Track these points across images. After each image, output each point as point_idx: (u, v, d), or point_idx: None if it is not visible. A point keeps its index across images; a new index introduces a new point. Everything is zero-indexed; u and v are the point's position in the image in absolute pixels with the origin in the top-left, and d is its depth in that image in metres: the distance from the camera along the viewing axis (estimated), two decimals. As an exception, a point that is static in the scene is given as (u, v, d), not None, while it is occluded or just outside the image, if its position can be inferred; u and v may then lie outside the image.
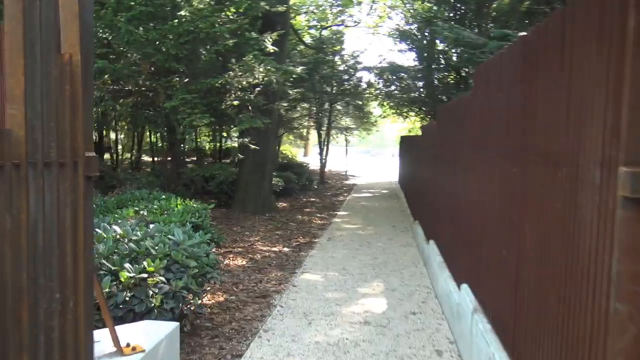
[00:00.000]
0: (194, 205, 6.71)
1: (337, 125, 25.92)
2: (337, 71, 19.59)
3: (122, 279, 3.46)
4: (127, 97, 8.20)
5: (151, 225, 4.74)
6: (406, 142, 15.10)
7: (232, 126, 8.48)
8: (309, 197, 15.88)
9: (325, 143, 21.21)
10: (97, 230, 4.04)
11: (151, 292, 3.52)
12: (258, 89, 8.82)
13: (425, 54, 15.36)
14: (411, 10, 19.00)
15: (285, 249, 7.91)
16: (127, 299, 3.44)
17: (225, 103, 8.22)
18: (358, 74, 20.24)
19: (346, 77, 19.75)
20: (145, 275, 3.55)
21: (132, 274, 3.50)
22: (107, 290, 3.37)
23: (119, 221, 5.19)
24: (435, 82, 15.54)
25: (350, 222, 10.83)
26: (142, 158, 18.92)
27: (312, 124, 23.36)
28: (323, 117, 21.36)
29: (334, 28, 21.97)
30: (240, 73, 8.03)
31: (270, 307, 5.11)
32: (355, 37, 56.05)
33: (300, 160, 31.89)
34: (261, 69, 8.20)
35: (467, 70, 14.38)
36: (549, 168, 2.20)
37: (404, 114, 19.01)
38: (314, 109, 20.41)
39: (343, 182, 22.09)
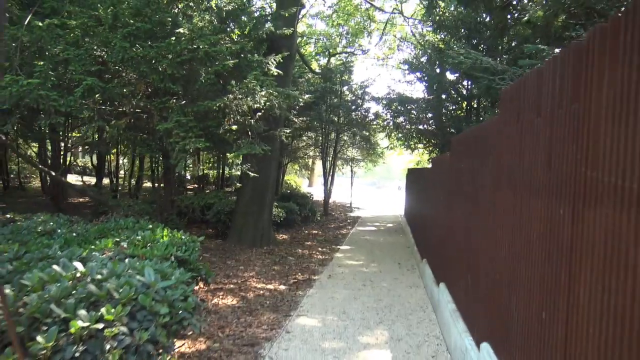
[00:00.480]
0: (182, 237, 6.12)
1: (343, 156, 25.47)
2: (345, 101, 19.24)
3: (73, 330, 2.85)
4: (119, 118, 7.71)
5: (127, 260, 4.17)
6: (413, 175, 14.54)
7: (230, 152, 7.91)
8: (311, 229, 15.24)
9: (330, 173, 20.68)
10: (55, 267, 3.45)
11: (108, 346, 2.91)
12: (259, 113, 8.34)
13: (435, 85, 14.95)
14: (421, 42, 18.74)
15: (282, 287, 7.26)
16: (78, 354, 2.82)
17: (224, 127, 7.71)
18: (366, 105, 19.90)
19: (354, 107, 19.38)
20: (102, 325, 2.93)
21: (85, 323, 2.90)
22: (52, 343, 2.75)
23: (93, 254, 4.62)
24: (445, 113, 15.08)
25: (353, 257, 10.18)
26: (143, 184, 18.45)
27: (317, 153, 22.90)
28: (329, 147, 20.91)
29: (343, 58, 21.73)
30: (240, 96, 7.55)
31: (258, 358, 4.45)
32: (364, 69, 56.19)
33: (304, 190, 31.42)
34: (262, 92, 7.72)
35: (480, 100, 13.93)
36: (622, 210, 1.61)
37: (412, 146, 18.50)
38: (320, 138, 19.97)
39: (347, 214, 21.45)
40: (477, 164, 4.14)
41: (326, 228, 15.91)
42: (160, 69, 7.33)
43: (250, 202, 10.08)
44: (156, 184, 12.09)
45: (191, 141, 6.95)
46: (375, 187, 55.89)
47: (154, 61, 7.22)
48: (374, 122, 20.41)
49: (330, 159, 21.29)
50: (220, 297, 6.41)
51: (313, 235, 13.78)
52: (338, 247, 11.65)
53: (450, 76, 14.82)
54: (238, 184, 9.38)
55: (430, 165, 10.60)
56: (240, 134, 8.29)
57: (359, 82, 20.10)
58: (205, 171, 21.78)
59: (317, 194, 23.90)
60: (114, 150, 16.70)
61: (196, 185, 19.41)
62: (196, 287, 6.44)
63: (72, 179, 24.06)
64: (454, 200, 5.36)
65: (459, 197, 5.10)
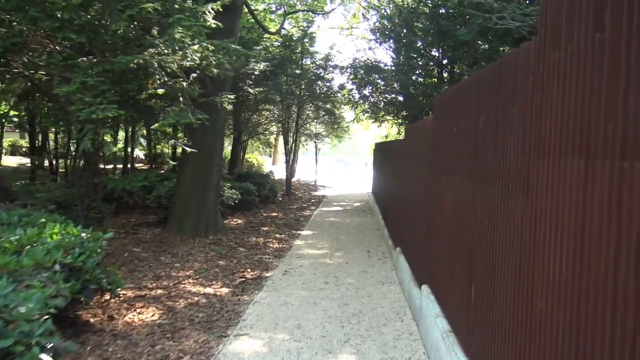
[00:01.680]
0: (84, 235, 4.56)
1: (306, 132, 23.98)
2: (306, 71, 17.64)
3: None
4: (12, 82, 5.98)
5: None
6: (382, 150, 13.20)
7: (155, 122, 6.30)
8: (270, 211, 13.79)
9: (292, 150, 19.15)
10: None
11: None
12: (194, 74, 6.75)
13: (404, 50, 13.53)
14: (390, 7, 17.22)
15: (224, 290, 5.81)
16: None
17: (146, 91, 6.10)
18: (329, 75, 18.35)
19: (315, 78, 17.81)
20: None
21: None
22: None
23: None
24: (415, 81, 13.72)
25: (315, 245, 8.79)
26: (78, 164, 16.47)
27: (280, 129, 21.32)
28: (290, 121, 19.35)
29: (304, 24, 20.01)
30: (165, 50, 5.94)
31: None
32: (328, 39, 54.30)
33: (265, 169, 29.76)
34: (195, 47, 6.12)
35: (453, 66, 12.62)
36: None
37: (380, 118, 17.16)
38: (278, 112, 18.39)
39: (312, 194, 20.06)
40: (491, 120, 2.73)
41: (287, 209, 14.48)
42: (58, 15, 5.63)
43: (192, 184, 8.50)
44: (76, 163, 10.28)
45: (99, 108, 5.33)
46: (342, 165, 54.64)
47: (46, 2, 5.50)
48: (338, 94, 18.94)
49: (292, 134, 19.76)
50: (139, 310, 4.91)
51: (272, 218, 12.33)
52: (299, 232, 10.25)
53: (420, 43, 13.41)
54: (171, 162, 7.78)
55: (403, 136, 9.25)
56: (170, 100, 6.67)
57: (322, 52, 18.52)
58: (160, 149, 19.89)
59: (281, 173, 22.38)
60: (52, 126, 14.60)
61: (121, 166, 17.35)
62: (104, 299, 4.91)
63: (15, 161, 21.76)
64: (446, 175, 3.99)
65: (452, 171, 3.72)
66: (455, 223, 3.52)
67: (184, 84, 6.47)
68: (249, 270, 6.80)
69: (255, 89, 14.02)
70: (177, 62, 6.04)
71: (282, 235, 9.65)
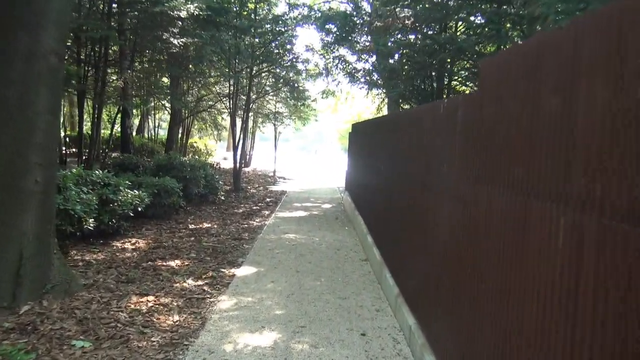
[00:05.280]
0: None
1: (263, 110, 19.46)
2: (259, 22, 13.05)
3: None
4: None
5: None
6: (366, 130, 8.94)
7: None
8: (203, 219, 9.35)
9: (242, 133, 14.63)
10: None
11: None
12: None
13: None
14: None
15: None
16: None
17: None
18: (291, 34, 13.86)
19: (272, 35, 13.27)
20: None
21: None
22: None
23: None
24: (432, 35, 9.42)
25: (256, 313, 4.46)
26: None
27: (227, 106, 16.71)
28: (241, 95, 14.80)
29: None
30: None
31: None
32: None
33: (216, 156, 25.00)
34: None
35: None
36: None
37: (363, 89, 12.81)
38: (223, 80, 13.80)
39: (268, 189, 15.63)
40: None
41: (230, 215, 10.05)
42: None
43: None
44: None
45: None
46: (314, 153, 49.87)
47: None
48: (302, 62, 14.49)
49: (243, 112, 15.24)
50: None
51: (199, 234, 7.89)
52: (233, 270, 5.86)
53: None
54: None
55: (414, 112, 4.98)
56: None
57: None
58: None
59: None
60: None
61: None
62: None
63: None
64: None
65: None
66: None
67: None
68: None
69: (181, 40, 9.44)
70: None
71: (198, 284, 5.24)
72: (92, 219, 6.26)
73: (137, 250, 6.54)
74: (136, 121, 20.58)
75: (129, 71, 10.26)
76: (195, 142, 22.98)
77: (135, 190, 7.58)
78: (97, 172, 7.52)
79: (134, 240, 7.06)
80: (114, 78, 10.58)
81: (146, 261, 5.93)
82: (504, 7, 7.27)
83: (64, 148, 11.72)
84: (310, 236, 8.22)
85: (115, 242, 6.88)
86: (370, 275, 5.85)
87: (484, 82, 2.53)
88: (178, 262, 6.06)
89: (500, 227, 2.18)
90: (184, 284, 5.14)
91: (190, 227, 8.55)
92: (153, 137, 20.17)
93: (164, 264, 5.92)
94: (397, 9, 9.63)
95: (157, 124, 21.80)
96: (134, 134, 18.23)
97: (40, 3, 3.83)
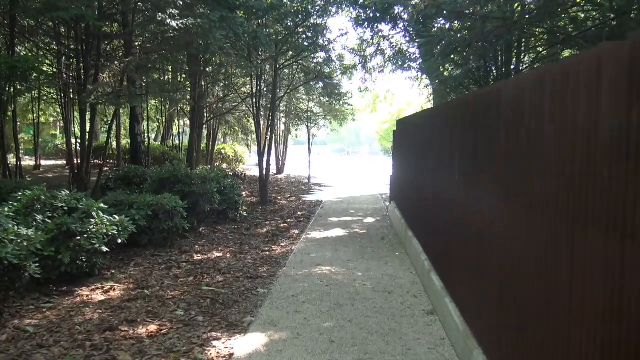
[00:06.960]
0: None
1: (294, 111, 17.52)
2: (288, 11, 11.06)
3: None
4: None
5: None
6: (425, 124, 6.78)
7: None
8: (211, 246, 7.40)
9: (270, 136, 12.66)
10: None
11: None
12: None
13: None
14: None
15: None
16: None
17: None
18: (321, 22, 11.83)
19: (299, 18, 11.26)
20: None
21: None
22: None
23: None
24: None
25: None
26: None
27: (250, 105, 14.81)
28: (264, 92, 12.88)
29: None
30: None
31: None
32: None
33: (247, 162, 23.18)
34: None
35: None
36: None
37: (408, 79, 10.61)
38: (244, 75, 11.89)
39: (301, 199, 13.59)
40: None
41: (249, 238, 8.06)
42: None
43: None
44: None
45: None
46: (346, 155, 47.76)
47: None
48: (335, 51, 12.42)
49: (269, 112, 13.29)
50: None
51: (200, 271, 5.89)
52: (230, 344, 3.84)
53: None
54: None
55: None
56: None
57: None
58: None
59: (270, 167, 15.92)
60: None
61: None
62: None
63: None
64: None
65: None
66: None
67: None
68: None
69: (181, 22, 7.52)
70: None
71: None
72: (37, 264, 4.37)
73: (106, 304, 4.62)
74: (153, 127, 18.98)
75: (128, 59, 8.43)
76: (224, 148, 21.26)
77: (115, 216, 5.69)
78: (63, 191, 5.68)
79: (108, 286, 5.15)
80: (104, 75, 8.77)
81: (104, 330, 3.97)
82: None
83: (76, 160, 9.98)
84: (349, 269, 6.11)
85: (83, 289, 5.00)
86: (444, 348, 3.70)
87: None
88: (154, 327, 4.08)
89: None
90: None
91: (195, 258, 6.61)
92: (178, 145, 18.56)
93: (131, 332, 3.94)
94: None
95: (182, 131, 20.18)
96: (154, 141, 16.57)
97: None
